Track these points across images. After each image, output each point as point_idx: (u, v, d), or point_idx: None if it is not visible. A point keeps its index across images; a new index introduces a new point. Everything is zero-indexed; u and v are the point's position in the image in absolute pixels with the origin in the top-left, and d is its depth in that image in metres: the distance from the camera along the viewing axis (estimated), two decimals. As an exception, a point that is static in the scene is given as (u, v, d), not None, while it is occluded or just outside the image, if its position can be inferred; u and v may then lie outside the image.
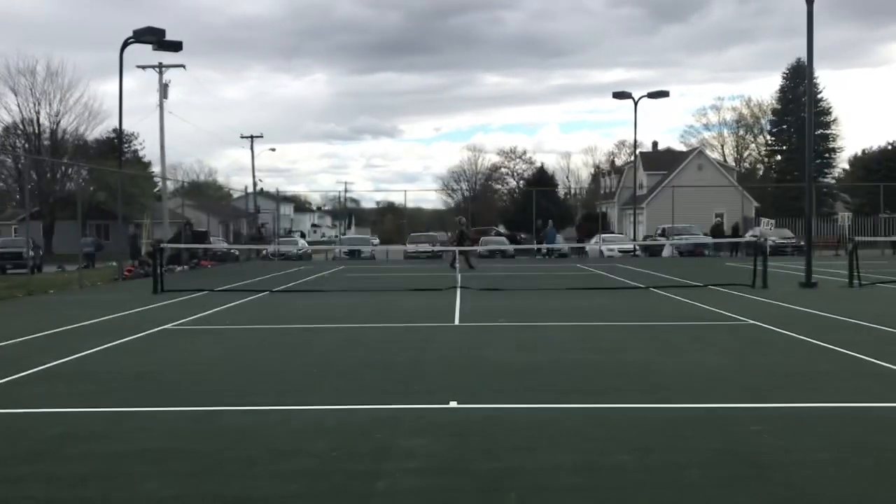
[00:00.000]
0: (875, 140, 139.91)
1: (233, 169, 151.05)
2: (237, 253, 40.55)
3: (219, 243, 42.64)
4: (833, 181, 71.60)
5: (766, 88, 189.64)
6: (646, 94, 42.39)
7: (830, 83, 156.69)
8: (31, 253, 25.13)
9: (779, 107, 74.06)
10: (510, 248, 39.18)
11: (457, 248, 26.51)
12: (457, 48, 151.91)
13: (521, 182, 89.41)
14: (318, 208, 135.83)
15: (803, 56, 69.37)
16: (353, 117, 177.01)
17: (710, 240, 37.98)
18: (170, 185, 41.90)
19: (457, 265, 24.94)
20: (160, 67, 36.50)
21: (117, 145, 35.46)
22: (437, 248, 39.07)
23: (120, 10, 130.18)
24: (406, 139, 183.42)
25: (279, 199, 51.65)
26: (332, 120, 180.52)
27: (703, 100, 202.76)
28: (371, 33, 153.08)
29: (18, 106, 52.02)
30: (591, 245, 39.98)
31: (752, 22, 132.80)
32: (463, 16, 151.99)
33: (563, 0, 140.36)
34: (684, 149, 78.41)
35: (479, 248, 36.35)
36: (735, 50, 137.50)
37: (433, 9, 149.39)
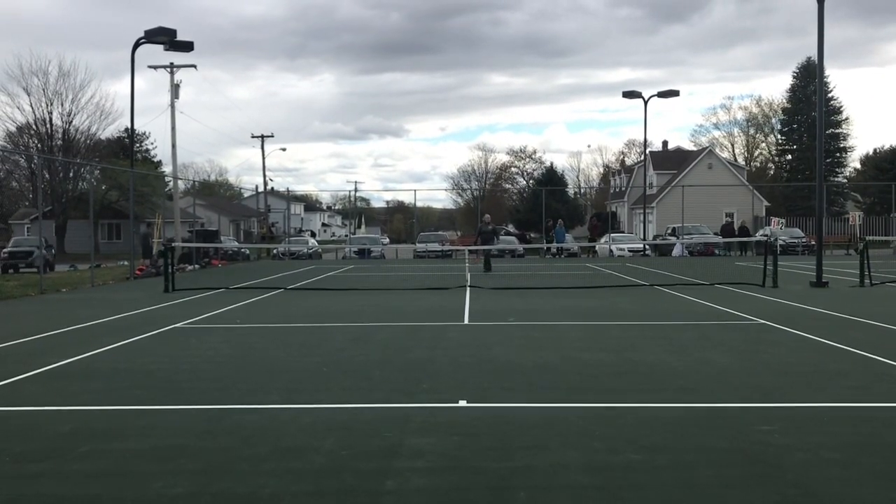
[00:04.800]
0: (886, 139, 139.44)
1: (243, 168, 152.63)
2: (248, 252, 40.69)
3: (229, 242, 42.82)
4: (844, 180, 71.27)
5: (773, 87, 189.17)
6: (656, 93, 42.28)
7: (841, 82, 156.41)
8: (44, 252, 25.28)
9: (789, 106, 73.77)
10: (520, 247, 39.15)
11: (474, 248, 26.51)
12: (459, 48, 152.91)
13: (531, 181, 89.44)
14: (329, 207, 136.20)
15: (809, 55, 69.24)
16: (359, 117, 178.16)
17: (719, 239, 37.86)
18: (181, 185, 42.00)
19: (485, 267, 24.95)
20: (171, 67, 36.61)
21: (129, 145, 35.61)
22: (447, 247, 39.15)
23: (128, 12, 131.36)
24: (412, 139, 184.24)
25: (289, 198, 51.70)
26: (339, 119, 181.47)
27: (711, 99, 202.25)
28: (374, 33, 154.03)
29: (31, 106, 52.41)
30: (601, 244, 39.92)
31: (754, 21, 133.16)
32: (463, 17, 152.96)
33: (562, 1, 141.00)
34: (694, 148, 78.21)
35: (492, 248, 36.34)
36: (740, 49, 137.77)
37: (433, 10, 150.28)
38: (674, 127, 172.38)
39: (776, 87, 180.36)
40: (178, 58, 35.66)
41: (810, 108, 66.21)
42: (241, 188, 78.61)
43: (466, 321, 12.62)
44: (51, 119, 53.02)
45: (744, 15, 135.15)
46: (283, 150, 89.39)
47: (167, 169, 54.27)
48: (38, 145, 52.54)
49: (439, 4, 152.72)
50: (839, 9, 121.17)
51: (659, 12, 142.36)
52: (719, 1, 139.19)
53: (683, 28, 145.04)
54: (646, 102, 41.64)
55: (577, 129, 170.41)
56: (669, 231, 44.99)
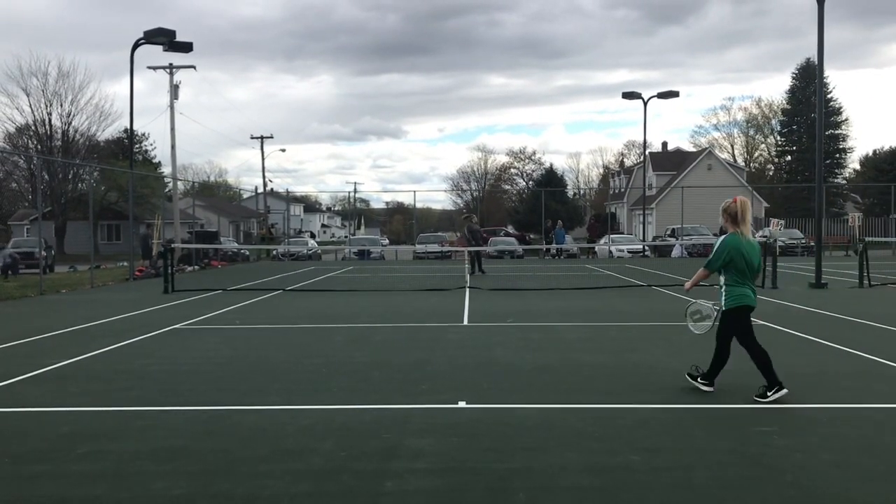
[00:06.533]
0: (886, 140, 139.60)
1: (242, 169, 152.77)
2: (247, 253, 40.68)
3: (229, 243, 42.81)
4: (844, 181, 71.28)
5: (771, 89, 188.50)
6: (655, 94, 42.28)
7: (840, 84, 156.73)
8: (44, 253, 25.27)
9: (789, 107, 73.77)
10: (519, 248, 39.15)
11: (466, 249, 26.39)
12: (456, 50, 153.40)
13: (531, 182, 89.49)
14: (328, 209, 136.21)
15: (806, 56, 69.23)
16: (357, 118, 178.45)
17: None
18: (180, 186, 42.01)
19: (472, 269, 24.82)
20: (171, 68, 36.60)
21: (128, 146, 35.60)
22: (446, 248, 39.19)
23: (126, 13, 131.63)
24: (411, 140, 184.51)
25: (289, 199, 51.67)
26: (337, 121, 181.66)
27: (710, 100, 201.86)
28: (372, 35, 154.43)
29: (31, 107, 52.38)
30: (601, 245, 39.92)
31: (749, 23, 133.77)
32: (460, 18, 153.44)
33: (558, 2, 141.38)
34: (694, 149, 78.24)
35: (487, 248, 36.32)
36: (737, 51, 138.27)
37: (430, 11, 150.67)
38: (672, 128, 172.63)
39: (774, 88, 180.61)
40: (177, 59, 35.67)
41: (810, 110, 66.23)
42: (240, 189, 78.59)
43: (466, 322, 12.62)
44: (50, 120, 53.00)
45: (739, 17, 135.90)
46: (283, 150, 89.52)
47: (166, 170, 54.25)
48: (38, 146, 52.49)
49: (436, 6, 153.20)
50: (835, 10, 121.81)
51: (655, 14, 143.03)
52: (714, 3, 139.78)
53: (679, 30, 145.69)
54: (645, 103, 41.64)
55: (575, 130, 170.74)
56: (669, 232, 44.99)
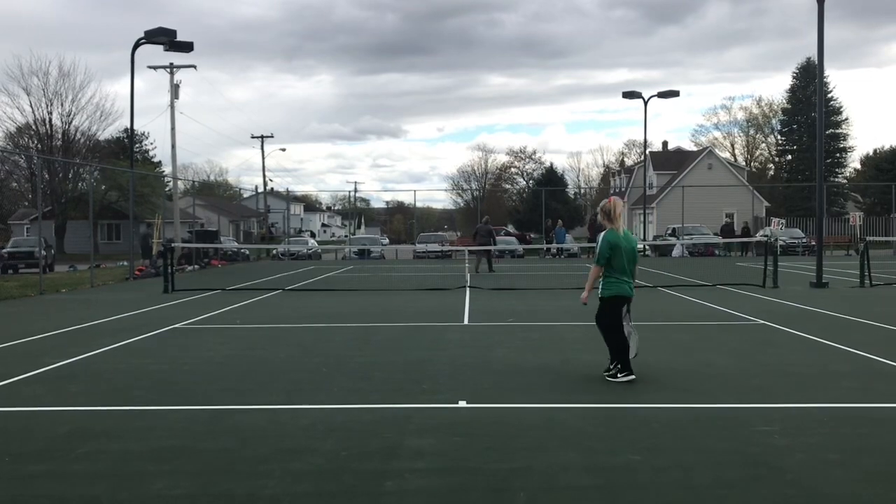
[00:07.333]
0: (887, 139, 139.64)
1: (242, 169, 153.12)
2: (247, 252, 40.67)
3: (229, 243, 42.81)
4: (844, 181, 71.23)
5: (771, 88, 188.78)
6: (656, 93, 42.21)
7: (840, 83, 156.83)
8: (44, 252, 25.26)
9: (789, 106, 73.76)
10: (519, 247, 39.13)
11: (477, 249, 26.39)
12: (455, 49, 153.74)
13: (531, 182, 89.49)
14: (328, 208, 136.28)
15: (806, 56, 69.19)
16: (357, 118, 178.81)
17: (719, 239, 37.86)
18: (181, 185, 41.99)
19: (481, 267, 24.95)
20: (171, 68, 36.59)
21: (128, 145, 35.59)
22: (447, 248, 39.20)
23: (125, 13, 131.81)
24: (410, 139, 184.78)
25: (289, 198, 51.67)
26: (337, 120, 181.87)
27: (710, 100, 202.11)
28: (371, 35, 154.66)
29: (31, 106, 52.38)
30: (601, 245, 39.84)
31: (748, 23, 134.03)
32: (458, 18, 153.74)
33: (557, 2, 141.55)
34: (694, 148, 78.22)
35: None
36: (736, 50, 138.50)
37: (429, 11, 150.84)
38: (672, 128, 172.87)
39: (774, 87, 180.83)
40: (177, 58, 35.69)
41: (810, 109, 66.20)
42: (240, 188, 78.67)
43: (466, 322, 12.62)
44: (50, 119, 53.00)
45: (737, 17, 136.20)
46: (283, 150, 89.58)
47: (167, 169, 54.26)
48: (38, 146, 52.46)
49: (435, 6, 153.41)
50: (835, 10, 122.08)
51: (653, 14, 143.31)
52: (713, 3, 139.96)
53: (678, 30, 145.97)
54: (645, 103, 41.59)
55: (575, 129, 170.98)
56: (669, 231, 44.99)
